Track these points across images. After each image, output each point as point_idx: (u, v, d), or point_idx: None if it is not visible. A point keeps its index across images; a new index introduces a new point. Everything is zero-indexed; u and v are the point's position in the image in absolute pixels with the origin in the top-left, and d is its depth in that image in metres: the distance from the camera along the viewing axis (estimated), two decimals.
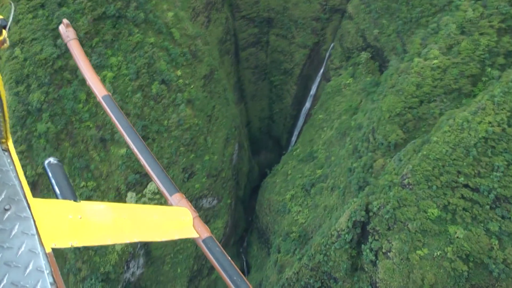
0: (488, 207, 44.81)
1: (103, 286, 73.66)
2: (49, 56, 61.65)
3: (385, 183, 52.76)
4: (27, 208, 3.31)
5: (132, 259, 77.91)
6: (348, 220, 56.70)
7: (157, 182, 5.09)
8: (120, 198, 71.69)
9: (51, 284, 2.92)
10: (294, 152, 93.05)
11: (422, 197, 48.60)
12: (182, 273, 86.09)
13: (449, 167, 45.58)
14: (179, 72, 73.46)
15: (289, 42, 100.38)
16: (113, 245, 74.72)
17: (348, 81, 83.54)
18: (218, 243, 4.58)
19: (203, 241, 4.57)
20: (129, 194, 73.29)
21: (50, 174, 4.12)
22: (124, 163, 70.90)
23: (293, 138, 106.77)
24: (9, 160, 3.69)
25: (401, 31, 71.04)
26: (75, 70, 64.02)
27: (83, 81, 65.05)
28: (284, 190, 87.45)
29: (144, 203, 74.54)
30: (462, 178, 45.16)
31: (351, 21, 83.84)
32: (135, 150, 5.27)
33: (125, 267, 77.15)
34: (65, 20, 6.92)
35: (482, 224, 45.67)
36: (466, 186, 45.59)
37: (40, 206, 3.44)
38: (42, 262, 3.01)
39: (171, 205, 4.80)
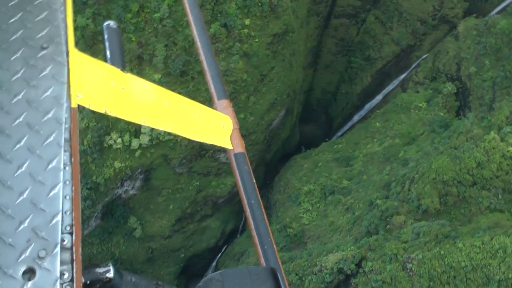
0: None
1: (89, 194, 72.12)
2: None
3: (389, 252, 45.82)
4: (65, 54, 2.90)
5: (128, 179, 75.35)
6: (336, 263, 50.71)
7: (209, 81, 4.82)
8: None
9: (65, 140, 2.63)
10: (335, 146, 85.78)
11: None
12: (174, 210, 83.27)
13: (460, 282, 38.14)
14: (247, 22, 65.93)
15: (385, 31, 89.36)
16: (113, 161, 72.06)
17: (421, 105, 73.67)
18: (248, 161, 4.40)
19: (235, 154, 4.33)
20: None
21: (105, 36, 3.73)
22: None
23: (345, 128, 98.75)
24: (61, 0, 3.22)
25: (497, 84, 59.98)
26: None
27: None
28: (306, 180, 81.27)
29: (159, 134, 70.18)
30: None
31: (456, 41, 72.20)
32: (198, 44, 4.85)
33: (119, 184, 74.95)
34: None
35: None
36: None
37: (82, 60, 3.07)
38: (64, 114, 2.69)
39: (215, 109, 4.55)
